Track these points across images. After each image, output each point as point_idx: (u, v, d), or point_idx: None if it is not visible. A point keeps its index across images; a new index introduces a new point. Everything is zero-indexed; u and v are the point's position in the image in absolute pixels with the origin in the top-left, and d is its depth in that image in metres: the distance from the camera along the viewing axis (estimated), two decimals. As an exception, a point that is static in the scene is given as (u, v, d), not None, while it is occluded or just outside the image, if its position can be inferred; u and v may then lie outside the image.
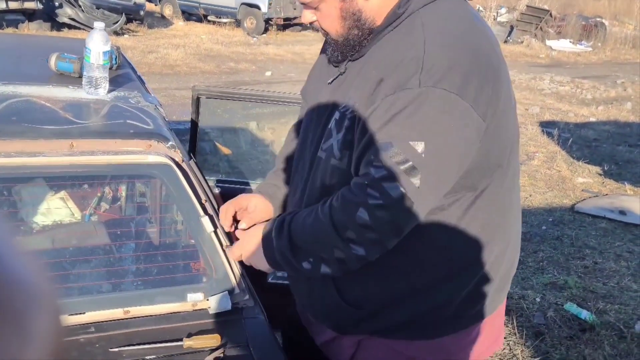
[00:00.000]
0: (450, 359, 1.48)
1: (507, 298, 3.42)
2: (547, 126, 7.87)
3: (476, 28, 1.31)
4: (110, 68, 1.96)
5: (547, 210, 5.03)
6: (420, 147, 1.18)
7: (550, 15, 20.18)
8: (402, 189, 1.19)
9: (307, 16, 1.37)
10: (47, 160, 1.52)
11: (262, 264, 1.46)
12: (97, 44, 1.76)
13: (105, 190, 2.12)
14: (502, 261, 1.45)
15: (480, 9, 23.55)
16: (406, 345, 1.45)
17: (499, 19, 21.68)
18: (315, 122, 1.44)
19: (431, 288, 1.39)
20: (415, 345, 1.45)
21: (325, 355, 1.59)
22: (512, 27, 19.65)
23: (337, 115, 1.34)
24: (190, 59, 11.09)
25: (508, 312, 3.31)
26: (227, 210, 1.61)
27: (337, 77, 1.40)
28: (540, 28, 19.58)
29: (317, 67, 1.58)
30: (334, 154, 1.33)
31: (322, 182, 1.38)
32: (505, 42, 18.77)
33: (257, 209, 1.61)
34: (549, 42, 18.74)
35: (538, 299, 3.50)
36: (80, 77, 1.86)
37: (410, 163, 1.18)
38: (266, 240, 1.42)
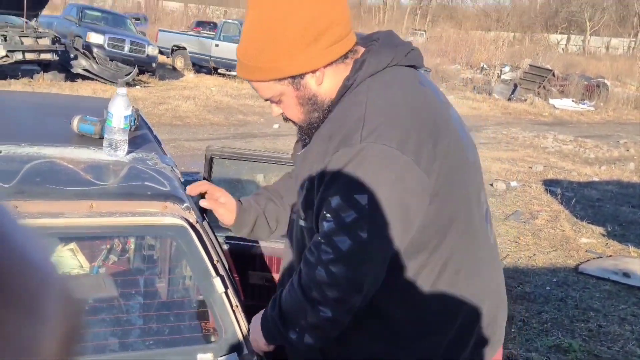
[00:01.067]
0: None
1: (511, 360, 3.39)
2: (550, 185, 7.94)
3: (419, 90, 1.38)
4: (129, 129, 2.05)
5: (551, 270, 5.04)
6: (364, 199, 1.24)
7: (553, 74, 20.55)
8: (350, 241, 1.25)
9: (275, 110, 1.46)
10: (67, 221, 1.58)
11: (260, 341, 1.52)
12: (119, 108, 1.85)
13: (114, 243, 2.18)
14: (477, 317, 1.46)
15: (484, 66, 24.02)
16: None
17: (502, 76, 22.09)
18: (293, 190, 1.55)
19: (406, 348, 1.42)
20: None
21: None
22: (515, 85, 19.99)
23: (301, 179, 1.43)
24: (200, 111, 11.31)
25: (512, 375, 3.30)
26: (202, 185, 1.73)
27: (304, 147, 1.49)
28: (543, 87, 19.91)
29: (296, 143, 1.66)
30: (300, 214, 1.42)
31: (297, 243, 1.48)
32: (509, 99, 19.05)
33: (224, 207, 1.71)
34: (552, 101, 19.02)
35: (542, 362, 3.49)
36: (101, 138, 1.94)
37: (356, 215, 1.24)
38: (263, 314, 1.51)
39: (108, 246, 2.17)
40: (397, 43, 1.42)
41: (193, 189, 1.72)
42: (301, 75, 1.35)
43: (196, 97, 12.73)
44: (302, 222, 1.43)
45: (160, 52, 16.53)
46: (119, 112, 1.85)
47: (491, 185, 7.76)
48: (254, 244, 2.52)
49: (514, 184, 7.88)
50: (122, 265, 2.19)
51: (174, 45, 17.89)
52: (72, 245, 2.06)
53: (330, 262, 1.27)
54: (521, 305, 4.25)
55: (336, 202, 1.26)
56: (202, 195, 1.74)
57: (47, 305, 0.36)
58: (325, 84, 1.37)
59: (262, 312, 1.56)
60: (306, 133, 1.45)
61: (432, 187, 1.29)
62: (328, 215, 1.28)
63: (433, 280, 1.38)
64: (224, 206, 1.72)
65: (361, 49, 1.40)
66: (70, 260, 2.07)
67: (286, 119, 1.48)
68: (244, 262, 2.33)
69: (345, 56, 1.36)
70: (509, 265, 5.05)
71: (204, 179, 2.58)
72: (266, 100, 1.44)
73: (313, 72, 1.35)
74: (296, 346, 1.43)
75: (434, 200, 1.30)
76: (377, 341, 1.43)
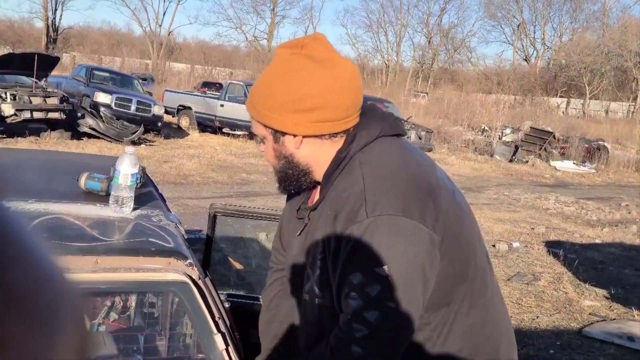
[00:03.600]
0: None
1: None
2: (553, 246, 7.92)
3: (409, 158, 1.45)
4: (135, 187, 2.10)
5: (554, 333, 4.98)
6: (384, 271, 1.27)
7: (554, 136, 20.80)
8: (380, 314, 1.28)
9: (260, 147, 1.55)
10: (72, 277, 1.61)
11: None
12: (127, 167, 1.91)
13: (115, 300, 2.19)
14: (497, 356, 1.50)
15: (486, 128, 24.34)
16: None
17: (504, 138, 22.36)
18: (294, 271, 1.57)
19: None
20: None
21: None
22: (517, 147, 20.20)
23: (310, 259, 1.45)
24: (204, 169, 11.42)
25: None
26: None
27: (303, 229, 1.52)
28: (544, 149, 20.12)
29: (284, 219, 1.72)
30: (316, 293, 1.44)
31: (312, 322, 1.49)
32: (511, 161, 19.22)
33: None
34: (553, 163, 19.18)
35: None
36: (108, 195, 1.99)
37: (380, 288, 1.27)
38: None
39: (109, 303, 2.18)
40: (382, 115, 1.51)
41: None
42: (282, 133, 1.44)
43: (200, 155, 12.89)
44: (318, 301, 1.44)
45: (166, 112, 16.84)
46: (126, 170, 1.91)
47: (493, 246, 7.74)
48: (255, 302, 2.52)
49: (516, 245, 7.87)
50: (123, 322, 2.20)
51: (180, 105, 18.23)
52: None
53: (364, 338, 1.29)
54: (525, 369, 4.18)
55: (358, 279, 1.29)
56: None
57: (60, 319, 0.37)
58: (304, 151, 1.45)
59: None
60: (280, 181, 1.53)
61: (440, 243, 1.33)
62: (353, 293, 1.30)
63: (449, 331, 1.42)
64: None
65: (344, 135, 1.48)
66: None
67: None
68: (245, 320, 2.33)
69: (334, 135, 1.44)
70: (512, 328, 4.99)
71: (207, 236, 2.61)
72: (255, 134, 1.53)
73: (294, 135, 1.43)
74: None
75: (444, 255, 1.35)
76: None
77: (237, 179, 11.08)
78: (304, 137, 1.43)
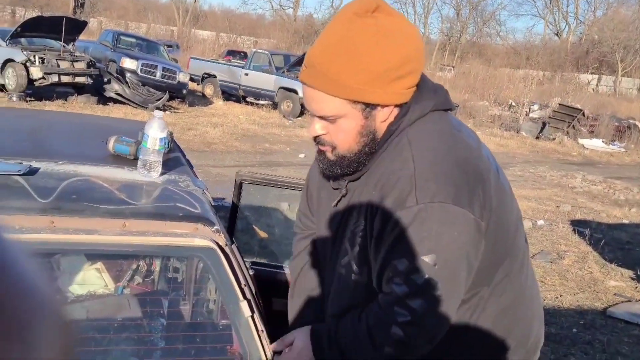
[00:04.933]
0: None
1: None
2: (578, 225, 7.81)
3: (458, 139, 1.39)
4: (163, 152, 2.08)
5: (578, 312, 4.93)
6: (431, 259, 1.26)
7: (583, 114, 20.39)
8: (425, 302, 1.28)
9: (317, 129, 1.39)
10: (100, 238, 1.61)
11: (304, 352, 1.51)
12: (155, 131, 1.89)
13: (140, 264, 2.20)
14: (529, 337, 1.53)
15: (513, 103, 23.95)
16: None
17: (531, 114, 21.98)
18: (328, 242, 1.55)
19: None
20: None
21: None
22: (544, 124, 19.87)
23: (348, 233, 1.42)
24: (228, 138, 11.44)
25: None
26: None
27: (340, 199, 1.47)
28: (573, 126, 19.75)
29: (314, 185, 1.65)
30: (353, 270, 1.43)
31: (347, 296, 1.48)
32: (537, 137, 18.92)
33: None
34: (581, 141, 18.85)
35: (568, 406, 3.39)
36: (135, 159, 1.98)
37: (427, 276, 1.26)
38: (317, 348, 1.50)
39: (133, 267, 2.19)
40: (435, 88, 1.43)
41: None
42: (375, 106, 1.34)
43: (224, 124, 12.90)
44: (355, 277, 1.44)
45: (191, 79, 16.84)
46: (155, 134, 1.89)
47: (517, 223, 7.66)
48: (279, 271, 2.52)
49: (540, 222, 7.77)
50: (147, 286, 2.21)
51: (205, 73, 18.21)
52: (99, 264, 2.09)
53: (407, 324, 1.30)
54: (547, 347, 4.15)
55: (404, 265, 1.28)
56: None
57: (39, 333, 0.36)
58: (386, 123, 1.38)
59: (300, 335, 1.55)
60: (343, 165, 1.42)
61: (485, 229, 1.32)
62: (397, 279, 1.29)
63: (483, 310, 1.43)
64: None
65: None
66: (95, 279, 2.10)
67: (320, 142, 1.43)
68: (268, 288, 2.32)
69: None
70: (535, 305, 4.96)
71: (233, 203, 2.60)
72: (319, 116, 1.38)
73: (384, 106, 1.35)
74: None
75: (488, 240, 1.33)
76: None
77: (260, 149, 11.08)
78: (395, 106, 1.36)
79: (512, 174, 12.15)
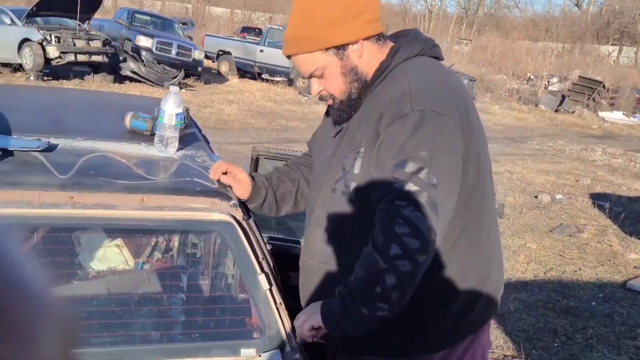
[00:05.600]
0: None
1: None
2: (598, 199, 7.73)
3: (449, 73, 1.61)
4: (180, 127, 2.09)
5: (597, 285, 4.91)
6: (427, 154, 1.39)
7: (603, 86, 20.06)
8: (424, 190, 1.38)
9: (315, 87, 1.61)
10: (119, 213, 1.62)
11: (311, 322, 1.55)
12: (171, 106, 1.89)
13: (158, 240, 2.21)
14: (488, 278, 1.66)
15: (531, 76, 23.62)
16: None
17: (550, 87, 21.68)
18: (324, 168, 1.66)
19: (426, 309, 1.57)
20: None
21: None
22: (563, 97, 19.59)
23: (347, 155, 1.55)
24: (243, 115, 11.44)
25: (555, 389, 3.22)
26: (221, 166, 1.80)
27: (339, 131, 1.63)
28: (593, 99, 19.45)
29: (322, 126, 1.83)
30: (345, 188, 1.54)
31: (338, 216, 1.57)
32: (557, 111, 18.68)
33: (240, 183, 1.81)
34: (601, 113, 18.56)
35: (587, 379, 3.39)
36: (152, 135, 1.99)
37: (425, 169, 1.38)
38: (323, 301, 1.55)
39: (153, 243, 2.21)
40: (424, 38, 1.63)
41: (214, 172, 1.80)
42: (344, 46, 1.52)
43: (240, 101, 12.89)
44: (347, 195, 1.54)
45: (206, 57, 16.81)
46: (171, 109, 1.89)
47: (535, 197, 7.61)
48: (296, 245, 2.53)
49: (559, 196, 7.71)
50: (166, 262, 2.23)
51: (220, 50, 18.16)
52: (118, 241, 2.11)
53: (409, 213, 1.37)
54: (565, 320, 4.14)
55: (403, 164, 1.40)
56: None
57: (39, 335, 0.36)
58: (365, 58, 1.54)
59: (315, 303, 1.58)
60: (345, 108, 1.59)
61: (465, 153, 1.46)
62: (395, 176, 1.40)
63: (453, 244, 1.53)
64: (240, 183, 1.82)
65: (391, 43, 1.58)
66: (115, 255, 2.12)
67: (323, 98, 1.63)
68: (284, 263, 2.34)
69: (378, 38, 1.56)
70: (553, 279, 4.94)
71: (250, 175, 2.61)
72: (308, 77, 1.59)
73: (354, 43, 1.52)
74: (359, 326, 1.47)
75: (464, 166, 1.47)
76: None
77: (276, 125, 11.07)
78: (364, 39, 1.54)
79: (530, 147, 12.03)
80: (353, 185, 1.52)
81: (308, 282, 1.70)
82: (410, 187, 1.38)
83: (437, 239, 1.41)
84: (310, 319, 1.55)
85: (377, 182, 1.46)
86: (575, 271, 5.16)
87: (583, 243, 5.94)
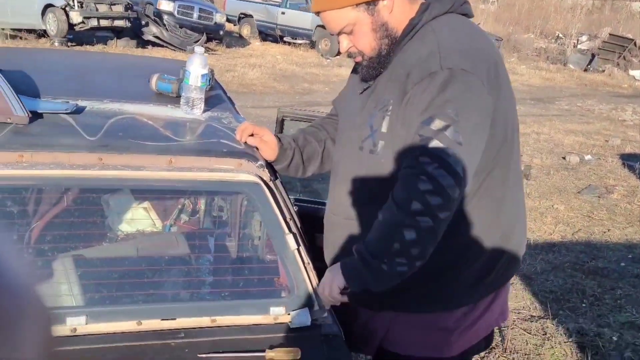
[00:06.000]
0: (469, 324, 1.67)
1: (582, 334, 3.32)
2: (628, 159, 7.59)
3: (479, 31, 1.60)
4: (205, 89, 2.08)
5: (626, 246, 4.85)
6: (454, 111, 1.39)
7: (635, 44, 19.47)
8: (450, 149, 1.38)
9: (344, 44, 1.59)
10: (148, 174, 1.63)
11: (336, 282, 1.55)
12: (197, 67, 1.88)
13: (185, 203, 2.23)
14: (511, 237, 1.65)
15: (560, 35, 23.03)
16: (433, 317, 1.66)
17: (579, 46, 21.13)
18: (351, 125, 1.65)
19: (449, 266, 1.58)
20: (440, 316, 1.66)
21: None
22: (593, 55, 19.10)
23: (374, 114, 1.54)
24: (266, 79, 11.39)
25: (583, 349, 3.22)
26: (247, 128, 1.80)
27: (367, 88, 1.61)
28: (624, 57, 18.92)
29: (348, 84, 1.81)
30: (373, 146, 1.53)
31: (365, 174, 1.57)
32: (586, 70, 18.25)
33: (267, 145, 1.80)
34: (632, 72, 18.07)
35: (615, 338, 3.38)
36: (178, 97, 1.98)
37: (451, 127, 1.38)
38: (344, 262, 1.56)
39: (180, 206, 2.23)
40: None
41: (241, 133, 1.80)
42: (375, 2, 1.50)
43: (262, 65, 12.81)
44: (374, 154, 1.53)
45: (228, 20, 16.66)
46: (197, 70, 1.88)
47: (563, 158, 7.50)
48: (321, 207, 2.53)
49: (588, 157, 7.58)
50: (193, 224, 2.25)
51: (241, 13, 17.98)
52: (146, 204, 2.13)
53: (433, 170, 1.37)
54: (593, 281, 4.12)
55: (429, 121, 1.39)
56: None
57: (24, 332, 0.36)
58: (395, 14, 1.53)
59: (332, 267, 1.59)
60: (375, 65, 1.57)
61: (493, 112, 1.46)
62: (421, 133, 1.40)
63: (478, 200, 1.53)
64: (267, 144, 1.81)
65: (420, 0, 1.57)
66: (144, 218, 2.14)
67: (351, 55, 1.61)
68: (311, 224, 2.35)
69: None
70: (581, 240, 4.90)
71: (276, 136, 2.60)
72: (337, 33, 1.57)
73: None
74: (379, 281, 1.47)
75: (492, 124, 1.46)
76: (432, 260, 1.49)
77: (299, 89, 11.01)
78: None
79: (558, 108, 11.81)
80: (381, 144, 1.52)
81: (333, 238, 1.71)
82: (436, 144, 1.38)
83: (459, 197, 1.41)
84: (335, 281, 1.56)
85: (403, 139, 1.46)
86: (604, 232, 5.10)
87: (612, 204, 5.86)
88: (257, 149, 1.80)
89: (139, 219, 2.12)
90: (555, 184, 6.40)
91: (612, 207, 5.76)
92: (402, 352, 1.70)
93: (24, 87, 1.81)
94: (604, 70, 18.23)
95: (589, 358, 3.10)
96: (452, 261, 1.59)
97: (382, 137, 1.52)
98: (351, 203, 1.63)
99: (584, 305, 3.77)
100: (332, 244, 1.72)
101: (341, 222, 1.67)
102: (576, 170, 7.04)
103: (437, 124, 1.38)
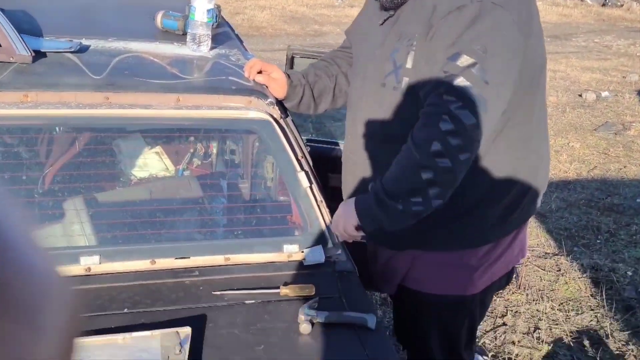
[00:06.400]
0: (492, 262, 1.67)
1: (596, 270, 3.32)
2: (646, 95, 7.42)
3: None
4: (212, 25, 2.02)
5: (642, 183, 4.79)
6: (482, 48, 1.32)
7: (655, -24, 18.79)
8: (474, 86, 1.32)
9: None
10: (156, 112, 1.60)
11: (350, 221, 1.52)
12: (202, 1, 1.82)
13: (197, 147, 2.21)
14: (537, 175, 1.62)
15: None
16: (458, 256, 1.64)
17: (597, -20, 20.44)
18: (370, 59, 1.58)
19: (475, 204, 1.56)
20: (464, 254, 1.64)
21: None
22: (611, -10, 18.48)
23: (398, 48, 1.47)
24: (276, 21, 11.17)
25: (597, 284, 3.22)
26: (255, 64, 1.76)
27: (387, 19, 1.54)
28: (643, -10, 18.29)
29: (364, 13, 1.73)
30: (397, 83, 1.48)
31: (388, 111, 1.52)
32: (604, 5, 17.69)
33: (276, 82, 1.75)
34: (652, 6, 17.50)
35: (630, 273, 3.37)
36: (184, 34, 1.93)
37: (478, 65, 1.32)
38: (357, 197, 1.52)
39: (192, 150, 2.21)
40: None
41: (249, 70, 1.75)
42: None
43: (272, 6, 12.54)
44: (397, 89, 1.47)
45: (235, -39, 16.24)
46: (202, 5, 1.82)
47: (580, 95, 7.35)
48: (334, 147, 2.50)
49: (605, 94, 7.42)
50: (205, 168, 2.23)
51: (249, -46, 17.51)
52: (158, 148, 2.11)
53: (456, 110, 1.32)
54: (609, 217, 4.09)
55: (455, 56, 1.34)
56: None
57: (47, 315, 0.36)
58: None
59: (346, 202, 1.57)
60: None
61: (523, 51, 1.40)
62: (452, 72, 1.34)
63: (506, 137, 1.50)
64: (276, 81, 1.76)
65: None
66: (156, 163, 2.13)
67: None
68: (323, 164, 2.32)
69: None
70: (596, 177, 4.84)
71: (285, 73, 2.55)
72: None
73: None
74: (394, 221, 1.45)
75: (521, 61, 1.41)
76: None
77: (310, 31, 10.80)
78: None
79: (575, 44, 11.51)
80: (405, 80, 1.46)
81: (351, 178, 1.68)
82: (461, 81, 1.33)
83: (482, 137, 1.36)
84: (348, 218, 1.53)
85: (427, 76, 1.41)
86: (620, 169, 5.03)
87: (629, 140, 5.76)
88: (266, 86, 1.76)
89: (151, 163, 2.11)
90: (570, 122, 6.30)
91: (628, 144, 5.67)
92: (424, 290, 1.69)
93: (26, 26, 1.77)
94: (622, 5, 17.65)
95: (603, 293, 3.11)
96: (479, 199, 1.56)
97: (406, 74, 1.46)
98: (371, 141, 1.59)
99: (598, 241, 3.75)
100: (351, 184, 1.68)
101: (360, 161, 1.63)
102: (592, 107, 6.91)
103: (464, 60, 1.33)
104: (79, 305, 0.39)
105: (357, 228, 1.53)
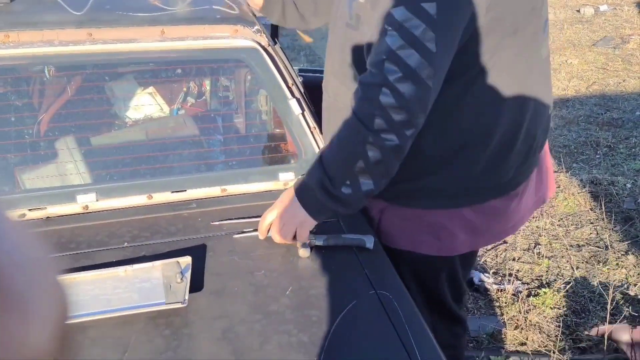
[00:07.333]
0: (469, 225, 1.49)
1: (595, 184, 3.34)
2: (646, 6, 7.26)
3: None
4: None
5: (641, 96, 4.76)
6: (432, 8, 1.15)
7: None
8: (418, 55, 1.16)
9: None
10: (140, 46, 1.57)
11: (297, 219, 1.34)
12: None
13: (190, 86, 2.18)
14: (519, 132, 1.42)
15: None
16: (425, 212, 1.48)
17: None
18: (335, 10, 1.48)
19: (447, 160, 1.40)
20: (433, 212, 1.48)
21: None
22: None
23: None
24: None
25: (596, 198, 3.25)
26: None
27: None
28: None
29: None
30: (350, 19, 1.35)
31: (343, 49, 1.41)
32: None
33: None
34: None
35: (629, 185, 3.40)
36: (164, -36, 1.87)
37: (424, 26, 1.15)
38: (299, 187, 1.35)
39: (185, 89, 2.19)
40: None
41: None
42: None
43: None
44: (353, 29, 1.35)
45: None
46: None
47: (578, 11, 7.19)
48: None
49: (603, 7, 7.26)
50: (200, 106, 2.21)
51: None
52: (151, 89, 2.09)
53: (397, 81, 1.17)
54: (607, 132, 4.08)
55: (400, 12, 1.17)
56: None
57: (36, 304, 0.36)
58: None
59: (282, 194, 1.40)
60: None
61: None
62: (390, 28, 1.18)
63: (479, 89, 1.33)
64: None
65: None
66: (150, 104, 2.11)
67: None
68: (317, 94, 2.30)
69: None
70: (595, 93, 4.80)
71: None
72: None
73: None
74: (347, 206, 1.31)
75: (494, 6, 1.23)
76: (417, 154, 1.34)
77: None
78: None
79: (573, -42, 11.17)
80: (358, 17, 1.32)
81: (327, 121, 1.57)
82: (403, 46, 1.17)
83: (428, 106, 1.22)
84: (302, 221, 1.34)
85: (374, 26, 1.24)
86: (619, 83, 4.98)
87: (628, 54, 5.67)
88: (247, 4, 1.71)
89: (145, 104, 2.09)
90: (568, 39, 6.19)
91: (627, 57, 5.59)
92: (391, 245, 1.54)
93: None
94: None
95: (603, 206, 3.13)
96: (447, 158, 1.42)
97: (359, 9, 1.31)
98: (336, 82, 1.47)
99: (597, 156, 3.76)
100: (326, 127, 1.57)
101: (331, 102, 1.52)
102: (591, 22, 6.77)
103: (410, 18, 1.16)
104: (67, 293, 0.40)
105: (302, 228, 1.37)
